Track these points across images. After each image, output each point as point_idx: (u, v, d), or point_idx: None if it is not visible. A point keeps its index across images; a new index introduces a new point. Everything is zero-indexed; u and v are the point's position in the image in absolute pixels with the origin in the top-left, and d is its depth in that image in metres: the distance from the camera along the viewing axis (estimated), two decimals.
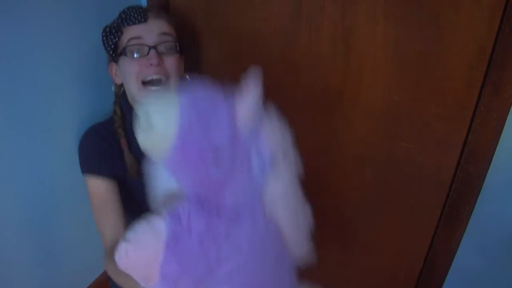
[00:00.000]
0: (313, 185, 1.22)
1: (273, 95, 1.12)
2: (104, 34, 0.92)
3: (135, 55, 0.92)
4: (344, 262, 1.32)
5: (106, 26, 0.92)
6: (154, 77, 0.92)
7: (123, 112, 1.00)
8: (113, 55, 0.94)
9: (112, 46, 0.92)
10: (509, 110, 0.86)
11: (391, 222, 1.17)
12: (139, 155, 1.01)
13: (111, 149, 0.98)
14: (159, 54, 0.92)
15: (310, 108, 1.09)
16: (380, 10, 0.90)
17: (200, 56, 1.15)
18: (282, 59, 1.06)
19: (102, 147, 0.98)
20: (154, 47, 0.91)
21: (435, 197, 1.06)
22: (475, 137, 0.92)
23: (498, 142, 0.90)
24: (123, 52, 0.92)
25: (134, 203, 1.05)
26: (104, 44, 0.93)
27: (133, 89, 0.95)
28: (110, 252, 0.96)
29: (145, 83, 0.92)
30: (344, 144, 1.11)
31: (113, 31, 0.92)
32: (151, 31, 0.92)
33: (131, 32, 0.92)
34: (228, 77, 1.15)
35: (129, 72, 0.94)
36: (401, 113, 0.99)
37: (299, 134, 1.16)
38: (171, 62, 0.94)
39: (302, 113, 1.11)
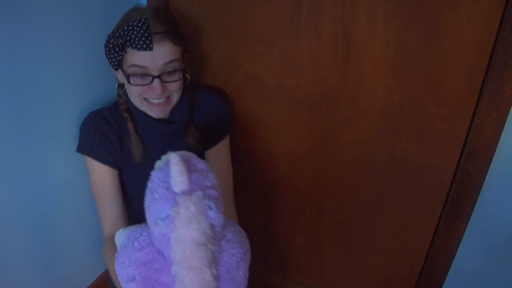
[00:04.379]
0: (313, 184, 1.23)
1: (273, 95, 1.13)
2: (107, 48, 0.90)
3: (138, 81, 0.90)
4: (344, 262, 1.32)
5: (109, 40, 0.89)
6: (156, 101, 0.93)
7: (127, 96, 0.98)
8: (117, 68, 0.93)
9: (116, 63, 0.91)
10: (509, 110, 0.86)
11: (391, 222, 1.17)
12: (145, 138, 1.01)
13: (112, 135, 0.98)
14: (163, 83, 0.90)
15: (310, 108, 1.09)
16: (380, 10, 0.90)
17: (199, 56, 1.15)
18: (282, 59, 1.06)
19: (104, 132, 0.98)
20: (159, 76, 0.89)
21: (435, 197, 1.06)
22: (475, 137, 0.92)
23: (498, 142, 0.90)
24: (126, 75, 0.90)
25: (131, 191, 1.05)
26: (107, 57, 0.91)
27: (135, 101, 0.96)
28: (108, 239, 0.96)
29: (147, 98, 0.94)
30: (344, 144, 1.11)
31: (117, 49, 0.88)
32: (156, 60, 0.87)
33: (135, 57, 0.88)
34: (227, 77, 1.15)
35: (131, 91, 0.94)
36: (401, 113, 0.99)
37: (299, 134, 1.16)
38: (174, 87, 0.93)
39: (302, 113, 1.11)
